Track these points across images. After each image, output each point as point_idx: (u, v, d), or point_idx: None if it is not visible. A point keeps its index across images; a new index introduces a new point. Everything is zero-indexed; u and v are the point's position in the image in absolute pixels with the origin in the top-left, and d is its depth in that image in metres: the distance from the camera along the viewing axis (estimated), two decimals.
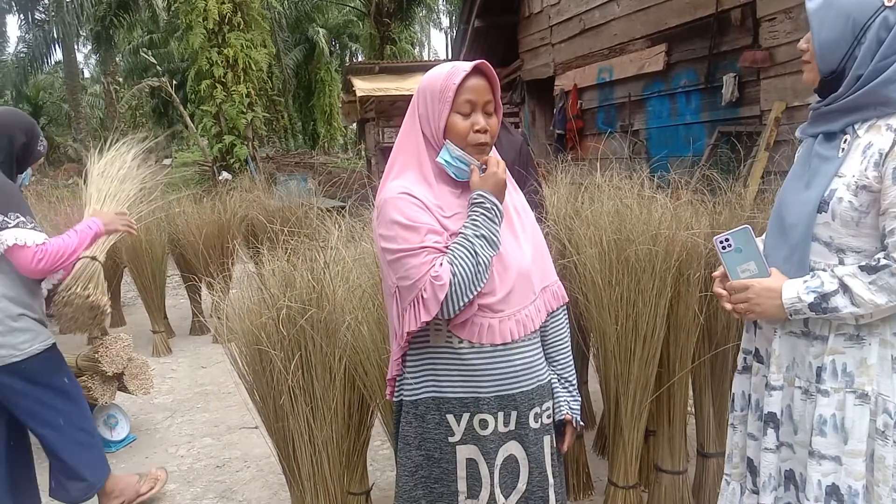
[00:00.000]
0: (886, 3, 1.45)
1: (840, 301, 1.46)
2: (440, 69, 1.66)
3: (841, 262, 1.53)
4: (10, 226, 2.41)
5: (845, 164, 1.52)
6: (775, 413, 1.64)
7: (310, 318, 1.96)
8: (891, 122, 1.47)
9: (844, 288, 1.46)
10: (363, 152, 18.60)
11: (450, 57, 12.93)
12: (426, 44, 42.57)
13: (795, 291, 1.52)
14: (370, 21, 21.30)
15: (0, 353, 2.44)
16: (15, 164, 2.65)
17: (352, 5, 24.19)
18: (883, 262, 1.44)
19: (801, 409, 1.60)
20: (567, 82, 8.27)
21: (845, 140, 1.54)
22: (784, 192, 1.67)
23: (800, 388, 1.60)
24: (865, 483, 1.51)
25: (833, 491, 1.52)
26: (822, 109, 1.59)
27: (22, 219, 2.45)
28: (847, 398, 1.52)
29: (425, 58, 35.19)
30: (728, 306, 1.66)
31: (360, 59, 29.40)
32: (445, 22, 37.76)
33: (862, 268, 1.46)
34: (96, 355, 3.64)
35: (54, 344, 2.65)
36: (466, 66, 1.61)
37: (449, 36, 36.67)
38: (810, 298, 1.49)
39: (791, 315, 1.54)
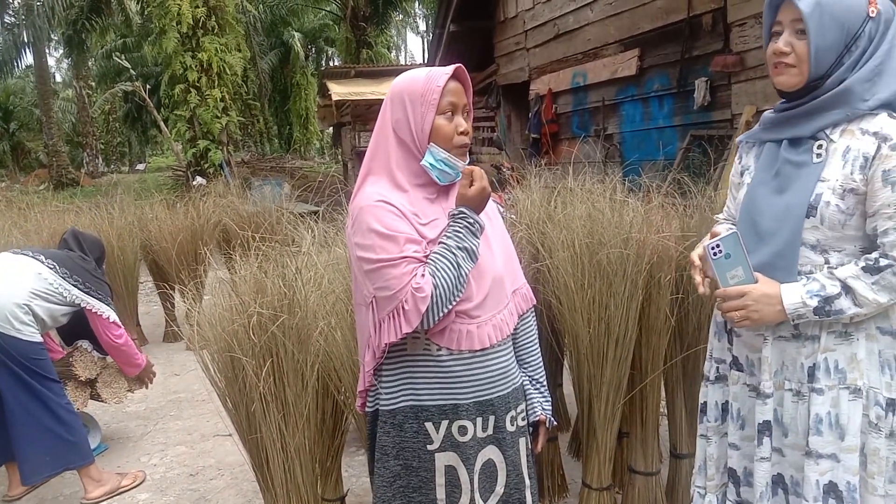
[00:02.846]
0: (871, 14, 1.52)
1: (844, 303, 1.50)
2: (415, 73, 1.67)
3: (826, 262, 1.56)
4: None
5: (827, 168, 1.54)
6: (770, 421, 1.64)
7: (281, 324, 1.94)
8: (865, 126, 1.52)
9: (847, 289, 1.49)
10: (339, 156, 18.55)
11: (426, 60, 12.93)
12: (402, 48, 42.62)
13: (798, 296, 1.53)
14: (346, 25, 21.25)
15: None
16: None
17: (327, 9, 24.13)
18: (883, 261, 1.47)
19: (791, 412, 1.61)
20: (542, 87, 8.32)
21: (820, 146, 1.56)
22: (754, 198, 1.68)
23: (790, 390, 1.62)
24: (859, 477, 1.53)
25: (831, 489, 1.54)
26: (789, 113, 1.61)
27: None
28: (841, 394, 1.54)
29: (402, 62, 35.21)
30: (730, 315, 1.63)
31: (336, 62, 29.34)
32: (422, 26, 37.83)
33: (864, 269, 1.49)
34: (71, 360, 3.60)
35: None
36: (447, 69, 1.62)
37: (425, 40, 36.72)
38: (814, 303, 1.51)
39: (794, 320, 1.55)
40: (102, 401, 3.79)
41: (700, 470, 1.87)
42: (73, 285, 3.31)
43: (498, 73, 9.59)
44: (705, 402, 1.87)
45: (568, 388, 3.40)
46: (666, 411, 2.87)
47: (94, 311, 3.39)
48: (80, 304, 3.35)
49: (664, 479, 2.89)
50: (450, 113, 1.62)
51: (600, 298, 2.43)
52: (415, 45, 57.21)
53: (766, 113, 1.74)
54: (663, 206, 2.79)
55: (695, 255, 1.72)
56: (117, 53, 21.37)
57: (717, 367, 1.83)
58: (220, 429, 3.92)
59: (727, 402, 1.78)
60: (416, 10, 32.03)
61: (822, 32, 1.52)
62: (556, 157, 7.94)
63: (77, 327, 3.54)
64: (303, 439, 2.02)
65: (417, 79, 1.64)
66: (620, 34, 6.74)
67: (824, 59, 1.54)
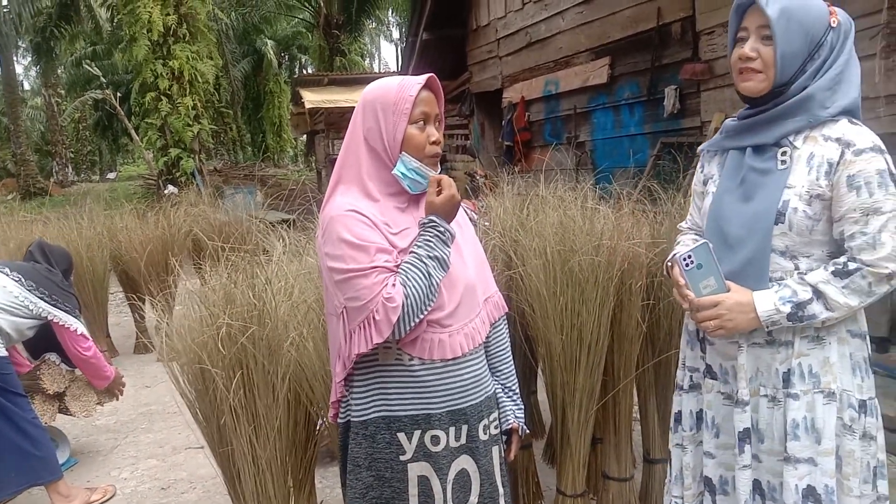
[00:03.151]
0: (832, 24, 1.56)
1: (816, 308, 1.52)
2: (387, 82, 1.66)
3: (796, 268, 1.58)
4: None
5: (792, 175, 1.57)
6: (749, 428, 1.65)
7: (251, 335, 1.92)
8: (827, 133, 1.55)
9: (818, 294, 1.52)
10: (313, 164, 18.46)
11: (399, 68, 12.94)
12: (376, 55, 42.61)
13: (771, 303, 1.55)
14: (319, 33, 21.20)
15: None
16: None
17: (300, 17, 24.02)
18: (852, 265, 1.50)
19: (767, 418, 1.63)
20: (514, 94, 8.36)
21: (784, 153, 1.59)
22: (720, 206, 1.69)
23: (766, 396, 1.63)
24: (836, 479, 1.55)
25: (810, 493, 1.55)
26: (751, 120, 1.63)
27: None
28: (816, 399, 1.56)
29: (375, 69, 35.20)
30: (705, 324, 1.64)
31: (309, 70, 29.25)
32: (395, 34, 37.90)
33: (834, 273, 1.51)
34: (38, 373, 3.54)
35: None
36: (419, 79, 1.62)
37: (399, 48, 36.75)
38: (788, 309, 1.53)
39: (768, 327, 1.57)
40: (71, 414, 3.73)
41: (676, 479, 1.87)
42: (39, 298, 3.26)
43: (471, 81, 9.62)
44: (679, 412, 1.87)
45: (542, 395, 3.41)
46: (639, 417, 2.89)
47: (61, 323, 3.35)
48: (46, 317, 3.31)
49: (638, 484, 2.90)
50: (422, 122, 1.62)
51: (572, 305, 2.45)
52: (388, 52, 57.36)
53: (727, 121, 1.76)
54: (634, 212, 2.82)
55: (677, 274, 1.71)
56: (87, 61, 21.04)
57: (691, 376, 1.83)
58: (191, 441, 3.86)
59: (701, 410, 1.78)
60: (390, 17, 32.09)
61: (789, 39, 1.55)
62: (528, 165, 7.98)
63: (44, 340, 3.49)
64: (274, 452, 2.00)
65: (390, 87, 1.63)
66: (591, 43, 6.80)
67: (790, 65, 1.57)
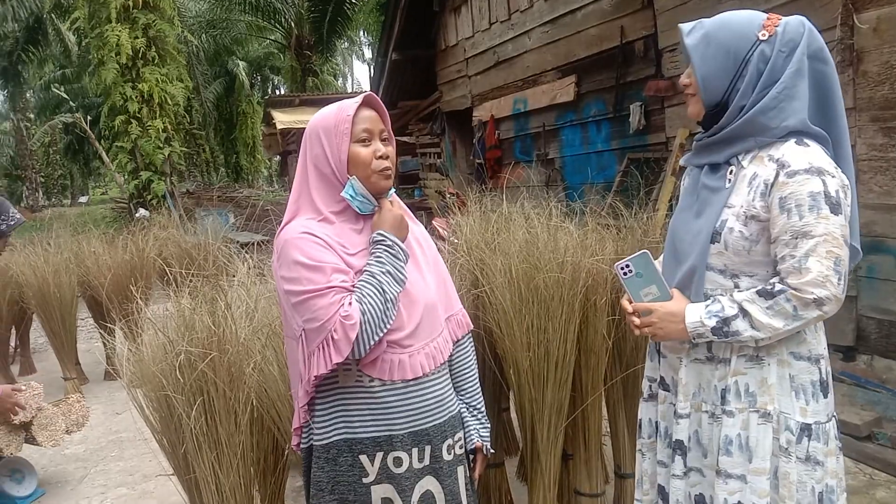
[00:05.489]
0: (761, 38, 1.52)
1: (741, 325, 1.52)
2: (327, 109, 1.70)
3: (736, 286, 1.59)
4: None
5: (733, 194, 1.58)
6: (682, 440, 1.68)
7: (210, 361, 1.91)
8: (772, 153, 1.54)
9: (744, 312, 1.52)
10: (287, 184, 18.40)
11: (371, 88, 12.97)
12: (349, 75, 42.71)
13: (698, 316, 1.57)
14: (291, 53, 21.20)
15: None
16: None
17: (272, 38, 24.03)
18: (778, 287, 1.50)
19: (708, 433, 1.65)
20: (484, 113, 8.43)
21: (731, 171, 1.60)
22: (675, 222, 1.74)
23: (706, 412, 1.65)
24: (770, 500, 1.55)
25: None
26: (706, 141, 1.65)
27: None
28: (751, 417, 1.57)
29: (349, 89, 35.28)
30: (636, 329, 1.70)
31: (282, 90, 29.22)
32: (368, 53, 37.92)
33: (759, 293, 1.51)
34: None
35: None
36: (356, 98, 1.66)
37: (371, 67, 36.85)
38: (712, 322, 1.55)
39: (694, 338, 1.59)
40: (38, 444, 3.65)
41: (638, 484, 1.91)
42: None
43: (441, 101, 9.68)
44: (641, 419, 1.91)
45: (514, 412, 3.41)
46: (609, 431, 2.90)
47: None
48: None
49: (610, 500, 2.91)
50: (366, 139, 1.64)
51: (538, 322, 2.46)
52: (361, 72, 57.57)
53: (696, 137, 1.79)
54: (597, 229, 2.84)
55: (624, 303, 1.74)
56: (56, 85, 20.89)
57: (650, 386, 1.87)
58: (161, 469, 3.80)
59: (658, 419, 1.82)
60: (362, 37, 32.17)
61: (706, 60, 1.56)
62: (499, 183, 8.03)
63: None
64: (238, 478, 1.98)
65: (329, 112, 1.67)
66: (557, 61, 6.87)
67: (713, 86, 1.58)
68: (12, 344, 6.17)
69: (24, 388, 3.24)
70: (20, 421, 3.49)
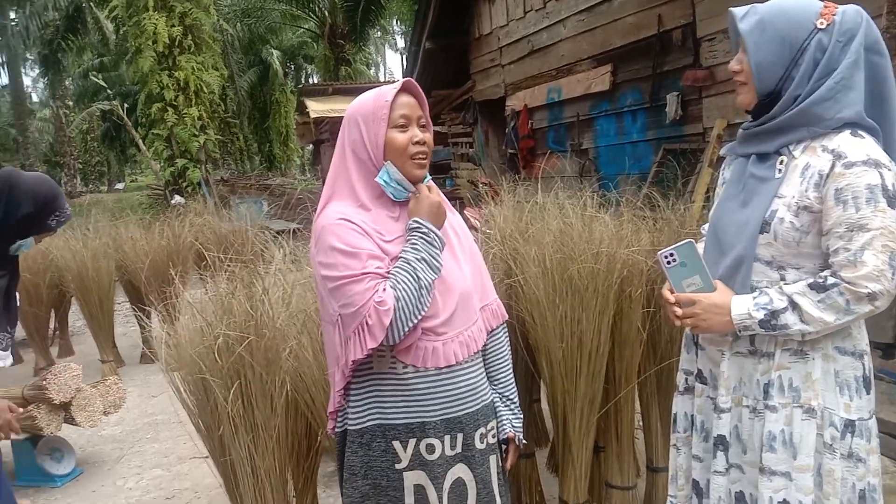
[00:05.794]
0: (819, 26, 1.49)
1: (790, 318, 1.49)
2: (365, 95, 1.70)
3: (783, 279, 1.56)
4: None
5: (784, 185, 1.54)
6: (724, 436, 1.64)
7: (248, 345, 1.93)
8: (825, 144, 1.50)
9: (794, 305, 1.49)
10: (320, 173, 18.52)
11: (404, 77, 13.00)
12: (381, 64, 42.75)
13: (745, 308, 1.54)
14: (324, 42, 21.28)
15: None
16: (16, 230, 2.49)
17: (306, 27, 24.13)
18: (831, 280, 1.46)
19: (749, 429, 1.62)
20: (517, 102, 8.37)
21: (781, 161, 1.56)
22: (719, 211, 1.70)
23: (748, 406, 1.62)
24: (814, 498, 1.52)
25: None
26: (755, 130, 1.61)
27: None
28: (794, 413, 1.54)
29: (381, 78, 35.32)
30: (676, 321, 1.66)
31: (315, 79, 29.36)
32: (401, 43, 37.93)
33: (811, 286, 1.48)
34: (44, 382, 3.55)
35: None
36: (395, 84, 1.66)
37: (404, 56, 36.85)
38: (760, 315, 1.52)
39: (740, 331, 1.56)
40: (77, 424, 3.74)
41: (672, 479, 1.89)
42: None
43: (474, 90, 9.64)
44: (676, 413, 1.88)
45: (546, 403, 3.40)
46: (641, 425, 2.88)
47: None
48: None
49: (641, 493, 2.89)
50: (403, 125, 1.64)
51: (572, 313, 2.44)
52: (394, 61, 57.51)
53: (743, 125, 1.75)
54: (633, 220, 2.81)
55: (665, 292, 1.70)
56: (94, 73, 21.21)
57: (686, 379, 1.84)
58: (196, 451, 3.87)
59: (694, 413, 1.79)
60: (395, 27, 32.21)
61: (761, 47, 1.53)
62: (532, 173, 7.99)
63: None
64: (273, 462, 2.01)
65: (368, 99, 1.68)
66: (593, 50, 6.80)
67: (767, 74, 1.54)
68: (52, 327, 6.32)
69: (21, 411, 3.12)
70: (60, 401, 3.58)
